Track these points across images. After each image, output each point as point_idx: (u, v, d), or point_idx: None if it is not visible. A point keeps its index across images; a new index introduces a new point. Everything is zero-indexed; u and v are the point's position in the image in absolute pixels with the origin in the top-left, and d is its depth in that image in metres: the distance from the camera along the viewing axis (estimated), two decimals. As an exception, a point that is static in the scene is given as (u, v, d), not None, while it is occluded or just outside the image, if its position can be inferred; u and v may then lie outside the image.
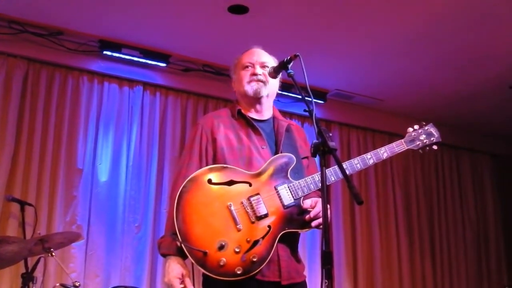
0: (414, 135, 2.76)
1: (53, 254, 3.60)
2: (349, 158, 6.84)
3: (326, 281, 1.84)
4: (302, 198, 2.40)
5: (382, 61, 5.57)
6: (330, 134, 2.28)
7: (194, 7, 4.62)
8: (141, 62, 5.31)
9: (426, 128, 2.79)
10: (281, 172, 2.42)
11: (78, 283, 3.74)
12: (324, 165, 1.97)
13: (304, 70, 2.29)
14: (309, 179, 2.41)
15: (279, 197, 2.37)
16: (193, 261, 2.21)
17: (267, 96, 2.62)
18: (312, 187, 2.40)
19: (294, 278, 2.39)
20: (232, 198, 2.32)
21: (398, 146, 2.70)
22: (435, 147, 2.80)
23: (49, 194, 4.74)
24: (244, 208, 2.32)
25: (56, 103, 4.96)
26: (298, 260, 2.48)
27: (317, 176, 2.41)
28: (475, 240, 7.41)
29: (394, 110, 6.74)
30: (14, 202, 4.35)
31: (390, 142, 7.81)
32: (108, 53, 5.15)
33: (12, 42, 4.78)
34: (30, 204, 4.38)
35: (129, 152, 5.18)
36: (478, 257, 7.38)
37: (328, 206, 2.26)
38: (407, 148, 2.72)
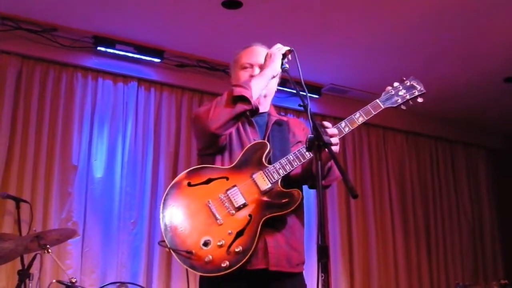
0: (392, 92, 2.58)
1: (49, 250, 3.59)
2: (344, 152, 6.83)
3: (323, 275, 1.83)
4: (279, 180, 2.38)
5: (377, 55, 5.57)
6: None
7: (188, 2, 4.61)
8: (135, 58, 5.29)
9: (406, 82, 2.62)
10: (255, 160, 2.42)
11: (75, 280, 3.75)
12: (320, 159, 1.97)
13: (299, 64, 2.30)
14: (283, 161, 2.39)
15: (256, 184, 2.37)
16: (181, 263, 2.24)
17: (265, 96, 2.61)
18: (288, 167, 2.39)
19: (283, 266, 2.36)
20: (211, 195, 2.34)
21: (373, 106, 2.52)
22: (420, 99, 2.60)
23: (44, 191, 4.74)
24: (222, 202, 2.33)
25: (51, 99, 4.95)
26: (294, 249, 2.43)
27: (291, 156, 2.40)
28: (470, 233, 7.44)
29: (389, 104, 6.74)
30: (9, 199, 4.33)
31: (385, 136, 7.80)
32: (102, 49, 5.14)
33: (6, 39, 4.77)
34: (25, 201, 4.36)
35: (124, 148, 5.17)
36: (474, 251, 7.41)
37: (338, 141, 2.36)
38: (384, 107, 2.54)
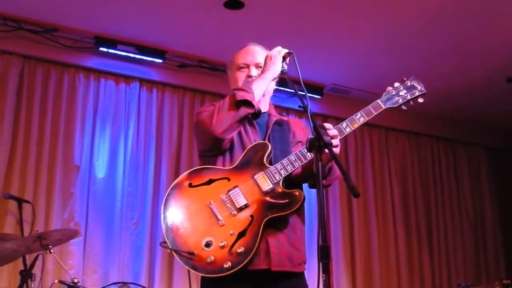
0: (393, 92, 2.59)
1: (51, 251, 3.60)
2: (346, 152, 6.82)
3: (324, 275, 1.83)
4: (281, 180, 2.39)
5: (378, 55, 5.57)
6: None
7: (190, 3, 4.61)
8: (137, 58, 5.30)
9: (406, 82, 2.63)
10: (256, 161, 2.42)
11: (77, 280, 3.76)
12: (320, 160, 1.97)
13: (298, 67, 2.33)
14: (285, 161, 2.40)
15: (257, 185, 2.38)
16: (183, 264, 2.24)
17: (263, 96, 2.62)
18: (289, 168, 2.40)
19: (285, 265, 2.37)
20: (212, 196, 2.35)
21: (374, 107, 2.53)
22: (421, 100, 2.61)
23: (46, 191, 4.74)
24: (224, 202, 2.34)
25: (53, 100, 4.95)
26: (296, 248, 2.44)
27: (293, 156, 2.41)
28: (472, 232, 7.44)
29: (390, 104, 6.75)
30: (12, 199, 4.34)
31: (387, 136, 7.78)
32: (104, 49, 5.14)
33: (8, 39, 4.77)
34: (27, 201, 4.37)
35: (126, 148, 5.17)
36: (476, 250, 7.41)
37: (339, 142, 2.37)
38: (385, 107, 2.55)
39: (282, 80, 2.71)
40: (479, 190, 7.72)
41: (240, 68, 2.65)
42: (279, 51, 2.50)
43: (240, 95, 2.38)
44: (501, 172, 7.88)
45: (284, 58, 2.49)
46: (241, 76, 2.63)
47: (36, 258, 3.73)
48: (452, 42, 5.31)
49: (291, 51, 2.49)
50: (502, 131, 7.85)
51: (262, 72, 2.51)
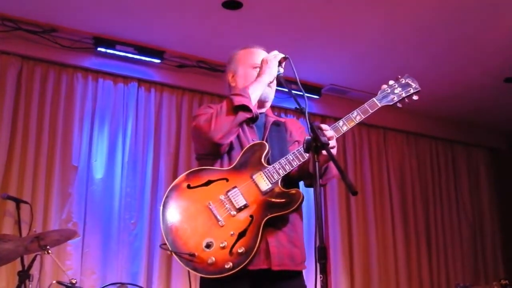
0: (388, 90, 2.59)
1: (49, 251, 3.60)
2: (344, 153, 6.82)
3: (321, 275, 1.84)
4: (279, 180, 2.40)
5: (377, 56, 5.56)
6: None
7: (188, 3, 4.61)
8: (136, 58, 5.29)
9: (401, 80, 2.63)
10: (254, 161, 2.43)
11: (75, 280, 3.76)
12: (318, 160, 1.97)
13: (295, 71, 2.34)
14: (283, 161, 2.41)
15: (256, 185, 2.38)
16: (183, 266, 2.24)
17: (265, 102, 2.65)
18: (288, 167, 2.40)
19: (286, 265, 2.37)
20: (211, 197, 2.35)
21: (370, 105, 2.53)
22: (415, 97, 2.60)
23: (44, 192, 4.73)
24: (223, 203, 2.34)
25: (51, 100, 4.95)
26: (296, 246, 2.44)
27: (291, 156, 2.41)
28: (471, 233, 7.44)
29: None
30: (10, 200, 4.34)
31: (385, 137, 7.77)
32: (102, 49, 5.14)
33: (6, 39, 4.76)
34: (25, 202, 4.37)
35: (124, 148, 5.17)
36: (474, 250, 7.40)
37: (336, 143, 2.36)
38: (380, 105, 2.54)
39: (279, 83, 2.71)
40: (477, 191, 7.71)
41: (255, 67, 2.62)
42: (275, 56, 2.52)
43: (238, 100, 2.40)
44: (500, 172, 7.88)
45: (280, 62, 2.51)
46: (255, 75, 2.59)
47: (34, 259, 3.73)
48: (450, 42, 5.31)
49: (287, 55, 2.52)
50: (501, 132, 7.86)
51: (258, 76, 2.53)
